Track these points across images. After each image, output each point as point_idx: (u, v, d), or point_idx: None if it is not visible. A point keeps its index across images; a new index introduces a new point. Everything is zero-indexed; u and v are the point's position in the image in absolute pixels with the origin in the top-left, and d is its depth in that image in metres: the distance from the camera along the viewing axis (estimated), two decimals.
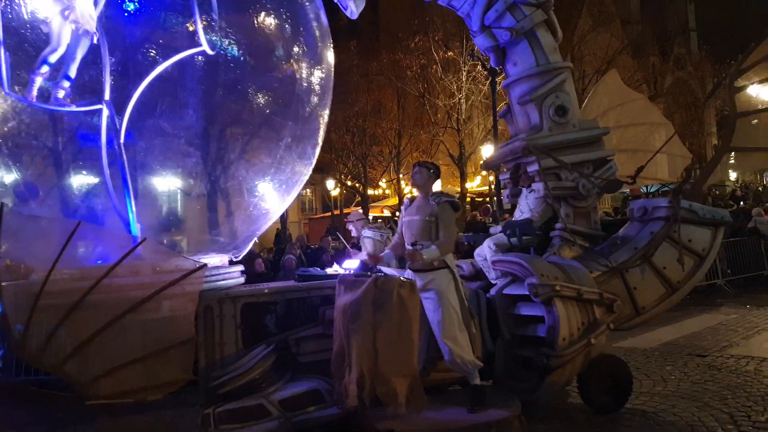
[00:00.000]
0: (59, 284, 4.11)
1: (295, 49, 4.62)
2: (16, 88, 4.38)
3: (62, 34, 4.55)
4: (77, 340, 4.15)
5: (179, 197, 4.57)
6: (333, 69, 5.13)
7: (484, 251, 5.61)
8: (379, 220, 29.30)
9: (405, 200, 4.98)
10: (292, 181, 4.84)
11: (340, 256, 7.72)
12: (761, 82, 5.28)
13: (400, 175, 25.73)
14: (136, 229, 4.50)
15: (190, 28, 4.27)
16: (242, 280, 5.03)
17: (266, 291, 4.89)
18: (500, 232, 5.60)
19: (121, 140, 4.09)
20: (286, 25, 4.56)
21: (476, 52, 22.94)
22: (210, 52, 4.06)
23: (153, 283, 4.08)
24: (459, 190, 23.79)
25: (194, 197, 4.61)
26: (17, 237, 4.01)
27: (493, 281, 5.51)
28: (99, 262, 4.29)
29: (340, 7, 5.56)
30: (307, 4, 4.75)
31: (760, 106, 6.20)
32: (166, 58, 4.23)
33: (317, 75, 4.80)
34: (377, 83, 24.89)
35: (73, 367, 4.23)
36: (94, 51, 4.50)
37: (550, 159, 5.37)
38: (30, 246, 4.20)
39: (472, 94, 23.36)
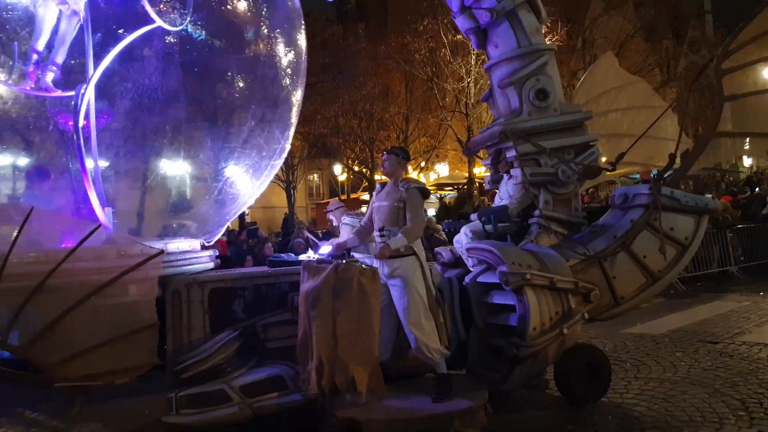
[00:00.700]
0: (23, 267, 4.12)
1: (259, 30, 4.53)
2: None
3: (47, 18, 4.54)
4: (42, 323, 4.17)
5: (142, 182, 4.52)
6: (304, 51, 5.01)
7: (461, 238, 5.52)
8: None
9: (377, 185, 4.90)
10: (260, 166, 4.78)
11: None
12: (754, 62, 5.06)
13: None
14: (102, 213, 4.48)
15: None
16: (211, 265, 5.00)
17: (234, 276, 4.86)
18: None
19: (80, 123, 4.03)
20: (249, 6, 4.45)
21: None
22: (167, 27, 3.97)
23: (112, 268, 4.06)
24: (467, 175, 23.58)
25: (157, 182, 4.56)
26: None
27: (471, 269, 5.42)
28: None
29: None
30: None
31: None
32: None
33: (284, 57, 4.70)
34: (385, 67, 24.62)
35: (39, 350, 4.27)
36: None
37: (528, 144, 5.23)
38: None
39: (481, 78, 23.01)
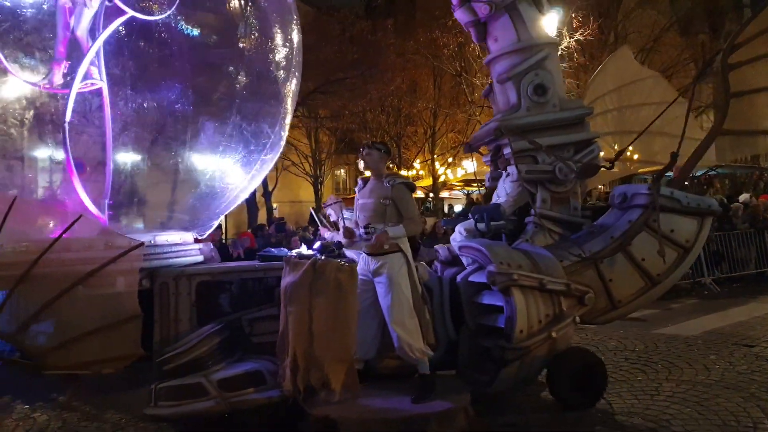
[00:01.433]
0: (10, 257, 4.21)
1: (243, 25, 4.50)
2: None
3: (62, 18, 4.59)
4: (28, 311, 4.26)
5: (129, 174, 4.55)
6: (297, 45, 4.96)
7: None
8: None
9: (358, 182, 4.83)
10: (249, 160, 4.76)
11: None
12: (763, 56, 4.80)
13: (435, 156, 25.34)
14: (91, 205, 4.54)
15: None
16: (201, 258, 5.02)
17: (221, 270, 4.87)
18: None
19: (67, 119, 4.08)
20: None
21: None
22: (140, 16, 3.96)
23: (95, 259, 4.10)
24: None
25: (143, 174, 4.59)
26: None
27: (467, 267, 5.31)
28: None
29: None
30: None
31: None
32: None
33: (271, 52, 4.66)
34: (413, 62, 24.41)
35: (27, 338, 4.36)
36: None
37: (524, 141, 5.08)
38: None
39: None
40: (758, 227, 11.45)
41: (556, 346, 4.61)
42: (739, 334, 6.89)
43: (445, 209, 27.73)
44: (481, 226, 5.11)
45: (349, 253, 5.01)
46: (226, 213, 5.35)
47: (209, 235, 8.69)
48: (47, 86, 4.55)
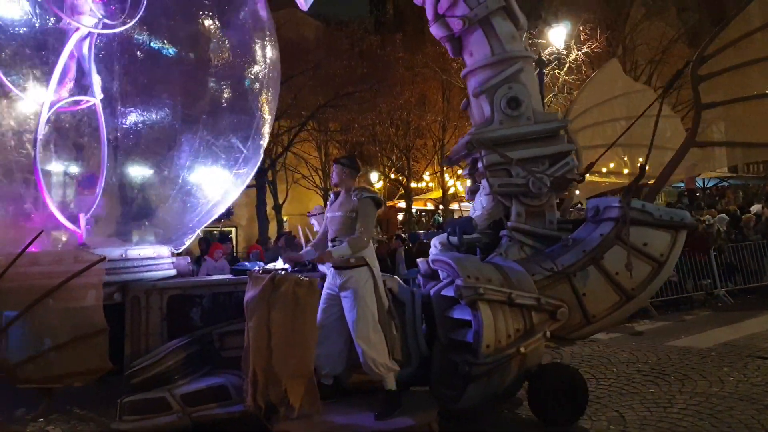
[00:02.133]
0: None
1: (207, 41, 4.55)
2: None
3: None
4: None
5: (102, 189, 4.61)
6: (270, 61, 5.00)
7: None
8: (422, 214, 29.07)
9: (331, 195, 4.84)
10: (220, 174, 4.79)
11: None
12: (734, 68, 4.73)
13: (444, 168, 25.33)
14: (66, 221, 4.61)
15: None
16: (173, 272, 5.06)
17: (192, 284, 4.90)
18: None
19: (39, 136, 4.16)
20: (197, 14, 4.47)
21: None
22: (90, 29, 4.00)
23: (59, 273, 4.15)
24: None
25: (112, 189, 4.65)
26: None
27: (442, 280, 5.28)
28: None
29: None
30: None
31: None
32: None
33: (241, 68, 4.70)
34: (422, 75, 24.54)
35: None
36: None
37: (495, 154, 5.06)
38: None
39: None
40: None
41: (527, 362, 4.55)
42: (754, 346, 6.81)
43: None
44: (453, 239, 5.08)
45: (322, 267, 5.02)
46: (203, 227, 5.37)
47: (222, 248, 8.80)
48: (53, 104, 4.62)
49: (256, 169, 5.42)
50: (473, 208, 5.59)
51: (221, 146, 4.67)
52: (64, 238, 4.66)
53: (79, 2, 4.43)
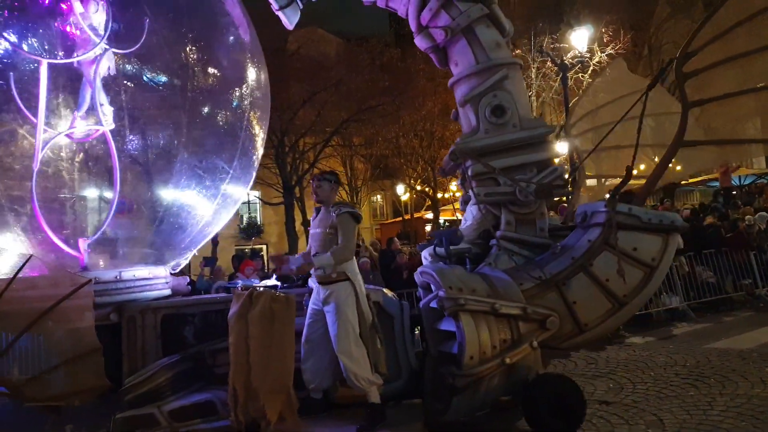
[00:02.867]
0: None
1: (184, 67, 4.66)
2: None
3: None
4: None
5: (88, 210, 4.78)
6: (256, 83, 5.10)
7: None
8: (447, 224, 28.90)
9: (314, 211, 4.89)
10: (206, 195, 4.90)
11: None
12: (720, 63, 4.59)
13: None
14: (63, 245, 4.79)
15: None
16: (168, 291, 5.18)
17: (184, 303, 5.01)
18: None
19: (36, 166, 4.36)
20: (172, 38, 4.61)
21: (545, 47, 22.05)
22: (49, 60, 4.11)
23: (51, 296, 4.31)
24: None
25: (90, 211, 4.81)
26: None
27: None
28: None
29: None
30: (219, 17, 4.79)
31: None
32: None
33: (224, 91, 4.80)
34: (444, 85, 24.40)
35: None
36: None
37: (480, 164, 5.02)
38: None
39: (543, 91, 22.43)
40: None
41: (514, 373, 4.47)
42: None
43: None
44: (440, 250, 5.06)
45: (310, 282, 5.07)
46: (198, 247, 5.48)
47: (253, 265, 8.92)
48: (69, 134, 4.84)
49: (249, 187, 5.51)
50: (464, 219, 5.56)
51: (204, 167, 4.78)
52: None
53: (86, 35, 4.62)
